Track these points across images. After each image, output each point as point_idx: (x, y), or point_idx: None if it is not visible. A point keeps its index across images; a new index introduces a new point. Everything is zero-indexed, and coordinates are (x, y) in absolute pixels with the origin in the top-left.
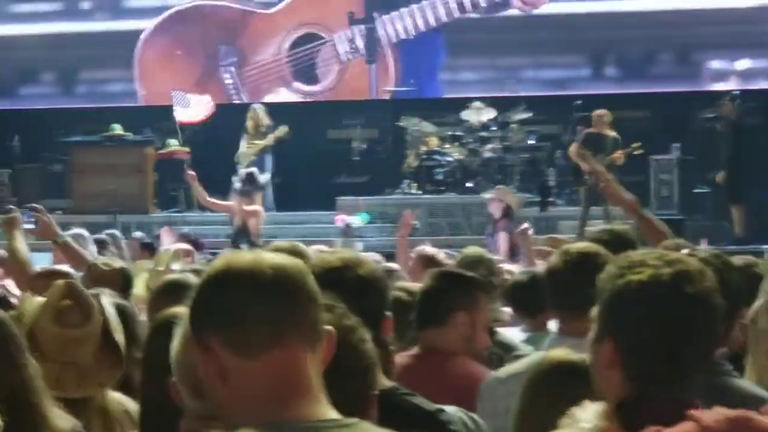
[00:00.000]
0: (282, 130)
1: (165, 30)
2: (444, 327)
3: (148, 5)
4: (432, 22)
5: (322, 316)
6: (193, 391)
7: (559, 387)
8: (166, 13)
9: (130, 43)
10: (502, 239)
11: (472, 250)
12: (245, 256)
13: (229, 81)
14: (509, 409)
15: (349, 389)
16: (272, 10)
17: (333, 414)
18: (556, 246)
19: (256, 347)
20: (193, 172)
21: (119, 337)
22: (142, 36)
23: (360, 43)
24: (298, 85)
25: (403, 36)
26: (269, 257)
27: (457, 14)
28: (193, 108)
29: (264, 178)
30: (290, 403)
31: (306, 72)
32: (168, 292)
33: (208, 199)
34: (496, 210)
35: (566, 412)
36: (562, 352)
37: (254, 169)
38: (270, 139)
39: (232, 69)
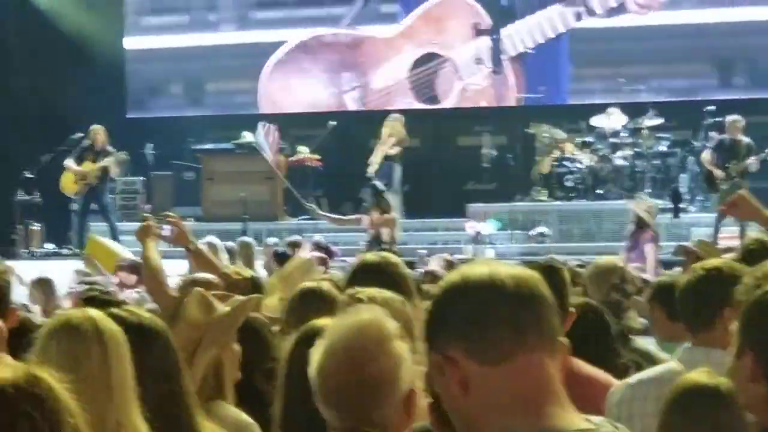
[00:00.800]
0: (404, 141)
1: (288, 62)
2: None
3: (272, 17)
4: (550, 33)
5: (559, 326)
6: (339, 409)
7: (696, 410)
8: (287, 46)
9: (256, 54)
10: (649, 251)
11: (606, 259)
12: (479, 266)
13: (353, 107)
14: (632, 416)
15: None
16: (391, 33)
17: (586, 423)
18: (706, 250)
19: (501, 354)
20: (313, 206)
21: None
22: (266, 68)
23: (485, 55)
24: (420, 106)
25: (521, 49)
26: (504, 266)
27: (575, 23)
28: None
29: (392, 187)
30: (542, 411)
31: (427, 92)
32: (302, 301)
33: (335, 217)
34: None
35: None
36: (700, 374)
37: (377, 182)
38: (393, 149)
39: (356, 95)
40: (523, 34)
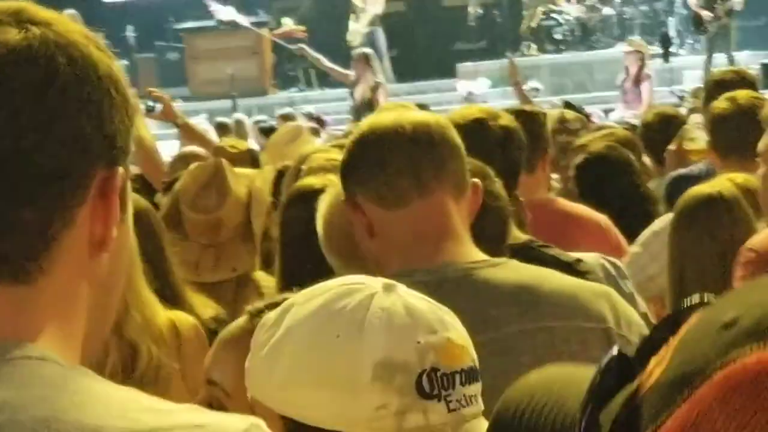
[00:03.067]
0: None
1: None
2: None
3: None
4: None
5: (466, 167)
6: (340, 254)
7: (699, 217)
8: None
9: None
10: (646, 89)
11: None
12: (388, 114)
13: None
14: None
15: (486, 237)
16: None
17: (482, 255)
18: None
19: (400, 198)
20: (302, 45)
21: (257, 222)
22: None
23: None
24: None
25: None
26: (411, 114)
27: None
28: None
29: (378, 52)
30: (440, 246)
31: None
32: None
33: (327, 64)
34: (633, 62)
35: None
36: (702, 186)
37: (368, 50)
38: (372, 14)
39: None
40: None
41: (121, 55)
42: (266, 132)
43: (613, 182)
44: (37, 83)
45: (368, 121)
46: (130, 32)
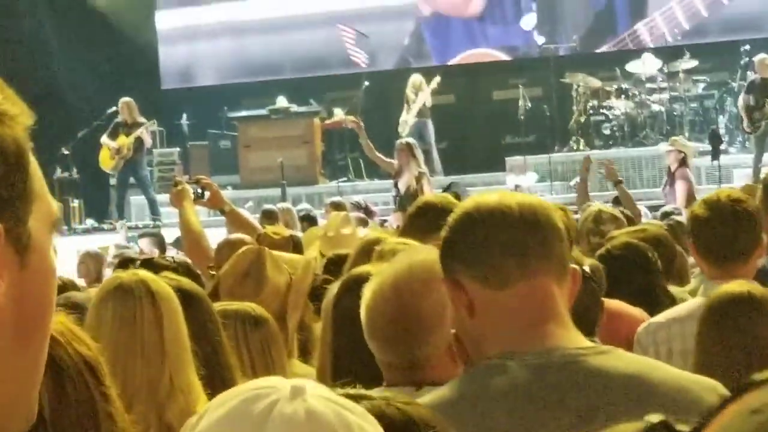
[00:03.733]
0: (435, 80)
1: None
2: None
3: None
4: None
5: (568, 251)
6: (380, 339)
7: (730, 317)
8: None
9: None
10: (680, 188)
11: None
12: (492, 195)
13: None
14: (672, 352)
15: (581, 321)
16: None
17: (587, 341)
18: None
19: (504, 278)
20: (359, 122)
21: (294, 312)
22: None
23: None
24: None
25: None
26: (515, 195)
27: None
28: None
29: (426, 144)
30: (544, 330)
31: None
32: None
33: (377, 154)
34: (673, 161)
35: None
36: (732, 285)
37: (411, 140)
38: (426, 97)
39: None
40: None
41: (175, 142)
42: (308, 220)
43: (628, 280)
44: None
45: (472, 201)
46: (184, 120)
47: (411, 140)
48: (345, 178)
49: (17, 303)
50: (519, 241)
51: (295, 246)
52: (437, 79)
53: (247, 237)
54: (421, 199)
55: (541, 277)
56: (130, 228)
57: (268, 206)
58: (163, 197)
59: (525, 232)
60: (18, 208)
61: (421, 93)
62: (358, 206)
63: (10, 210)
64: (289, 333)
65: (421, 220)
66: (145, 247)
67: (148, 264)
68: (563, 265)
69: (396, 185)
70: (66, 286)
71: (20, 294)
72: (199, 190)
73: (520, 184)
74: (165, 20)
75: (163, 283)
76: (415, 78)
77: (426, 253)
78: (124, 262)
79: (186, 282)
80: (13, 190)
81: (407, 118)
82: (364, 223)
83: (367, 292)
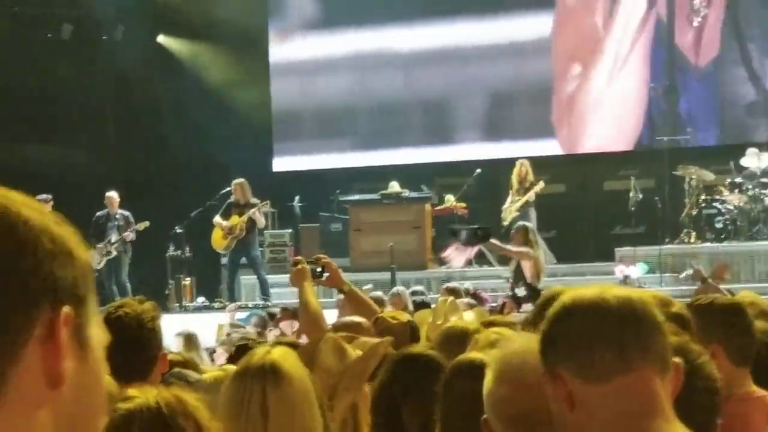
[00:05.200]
0: (540, 185)
1: None
2: None
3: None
4: None
5: (669, 345)
6: (507, 427)
7: None
8: None
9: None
10: None
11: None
12: (590, 289)
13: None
14: None
15: (696, 416)
16: None
17: None
18: None
19: (604, 373)
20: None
21: (345, 395)
22: None
23: None
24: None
25: None
26: (614, 289)
27: None
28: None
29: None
30: (646, 425)
31: None
32: (449, 342)
33: (505, 246)
34: None
35: None
36: None
37: (528, 225)
38: (531, 195)
39: None
40: None
41: (287, 223)
42: (422, 306)
43: None
44: None
45: (570, 295)
46: (296, 201)
47: (529, 224)
48: None
49: (78, 392)
50: (616, 335)
51: (413, 331)
52: (541, 184)
53: (362, 319)
54: (550, 289)
55: (640, 371)
56: (240, 308)
57: (376, 293)
58: (273, 278)
59: (622, 326)
60: (82, 308)
61: (527, 188)
62: (467, 292)
63: (76, 304)
64: (336, 415)
65: (547, 311)
66: (253, 328)
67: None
68: (664, 359)
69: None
70: (187, 364)
71: (81, 385)
72: (319, 269)
73: (629, 275)
74: (280, 99)
75: (293, 363)
76: (521, 167)
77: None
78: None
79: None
80: (79, 289)
81: (511, 207)
82: (471, 308)
83: (490, 383)
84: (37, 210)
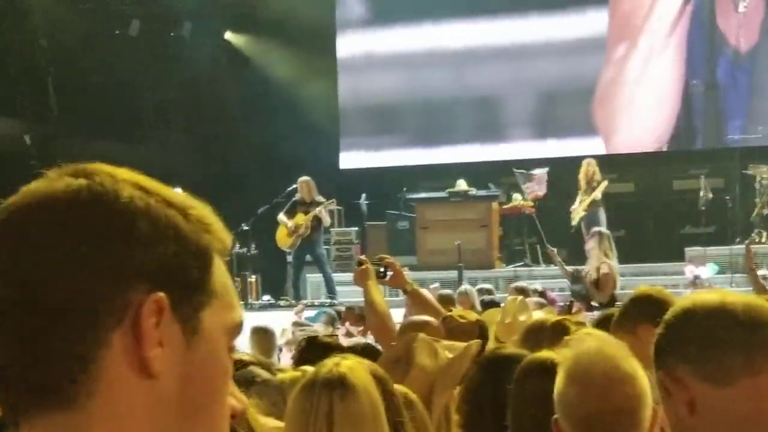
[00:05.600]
0: (604, 184)
1: None
2: None
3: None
4: None
5: None
6: (577, 428)
7: None
8: None
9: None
10: None
11: None
12: (711, 293)
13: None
14: None
15: None
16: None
17: None
18: None
19: (729, 376)
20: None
21: (440, 396)
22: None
23: None
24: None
25: None
26: (734, 294)
27: None
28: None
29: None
30: None
31: None
32: (526, 340)
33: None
34: None
35: None
36: None
37: (603, 230)
38: (597, 194)
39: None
40: None
41: (353, 221)
42: (490, 305)
43: None
44: (66, 220)
45: (690, 298)
46: (363, 200)
47: (604, 230)
48: (522, 263)
49: (182, 381)
50: (744, 338)
51: (482, 331)
52: (605, 183)
53: (431, 319)
54: (638, 289)
55: (765, 375)
56: (307, 306)
57: (444, 291)
58: (339, 276)
59: (749, 330)
60: (191, 294)
61: (594, 187)
62: (535, 292)
63: (181, 290)
64: (434, 415)
65: (636, 310)
66: (323, 325)
67: (331, 347)
68: None
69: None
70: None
71: (185, 374)
72: (382, 269)
73: (699, 275)
74: (347, 97)
75: (362, 376)
76: (588, 166)
77: (616, 345)
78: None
79: (375, 366)
80: (187, 275)
81: (578, 207)
82: (541, 308)
83: (562, 384)
84: (146, 190)
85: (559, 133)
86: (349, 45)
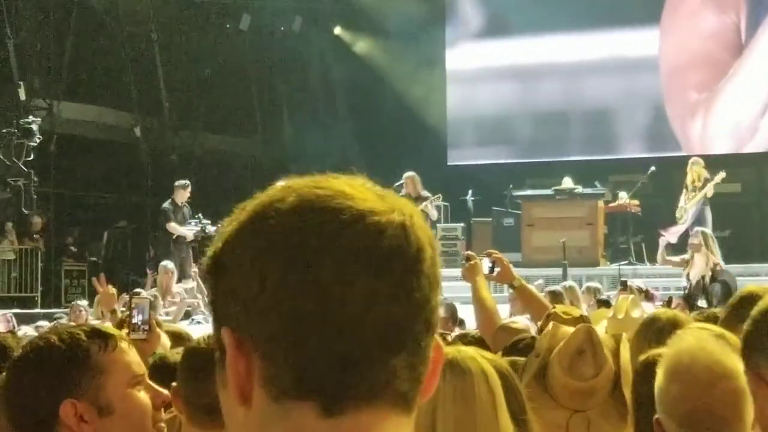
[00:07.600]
0: (720, 176)
1: None
2: None
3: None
4: None
5: None
6: (680, 425)
7: None
8: None
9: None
10: None
11: None
12: None
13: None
14: None
15: None
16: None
17: None
18: None
19: None
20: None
21: (627, 391)
22: None
23: None
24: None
25: None
26: None
27: None
28: None
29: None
30: None
31: None
32: (644, 335)
33: (666, 258)
34: None
35: None
36: None
37: (707, 231)
38: (709, 189)
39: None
40: None
41: (460, 217)
42: (604, 304)
43: None
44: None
45: None
46: (470, 196)
47: (707, 231)
48: (626, 261)
49: None
50: None
51: None
52: (722, 174)
53: (525, 326)
54: (745, 288)
55: None
56: None
57: (553, 287)
58: (444, 271)
59: None
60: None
61: (701, 187)
62: (639, 290)
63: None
64: (627, 410)
65: (745, 311)
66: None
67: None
68: None
69: (687, 276)
70: None
71: None
72: (490, 265)
73: None
74: (454, 96)
75: (488, 364)
76: (698, 167)
77: (716, 340)
78: None
79: (491, 358)
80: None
81: (686, 205)
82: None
83: (662, 381)
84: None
85: (667, 145)
86: (457, 49)
